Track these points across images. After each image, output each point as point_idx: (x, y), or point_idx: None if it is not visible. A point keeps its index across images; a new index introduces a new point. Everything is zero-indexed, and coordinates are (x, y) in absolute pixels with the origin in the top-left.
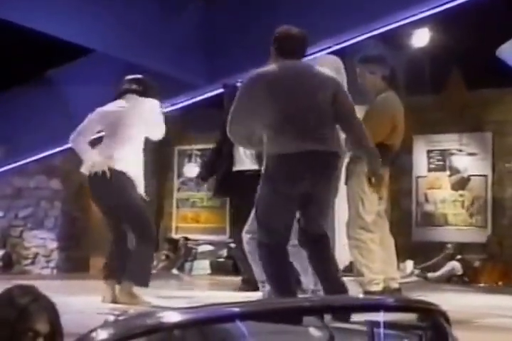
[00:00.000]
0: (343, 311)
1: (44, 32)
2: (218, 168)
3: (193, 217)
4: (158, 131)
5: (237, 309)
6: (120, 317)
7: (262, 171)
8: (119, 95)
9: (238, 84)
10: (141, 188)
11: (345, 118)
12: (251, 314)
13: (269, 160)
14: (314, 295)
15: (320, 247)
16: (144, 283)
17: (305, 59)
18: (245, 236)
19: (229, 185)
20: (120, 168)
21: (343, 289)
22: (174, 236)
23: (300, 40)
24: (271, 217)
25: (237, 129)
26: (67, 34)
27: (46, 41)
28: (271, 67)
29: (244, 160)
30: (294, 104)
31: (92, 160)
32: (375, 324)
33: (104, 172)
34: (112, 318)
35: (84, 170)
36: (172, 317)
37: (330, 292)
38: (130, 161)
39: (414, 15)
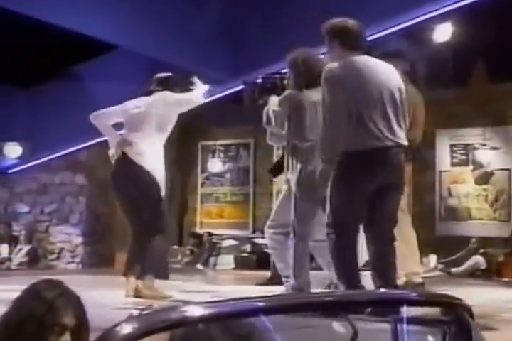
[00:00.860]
0: (366, 306)
1: (68, 28)
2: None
3: (217, 212)
4: (191, 102)
5: (260, 303)
6: (144, 312)
7: (337, 168)
8: (148, 93)
9: (258, 81)
10: (161, 183)
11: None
12: (274, 308)
13: (347, 156)
14: (336, 290)
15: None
16: (163, 275)
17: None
18: (268, 232)
19: None
20: (139, 162)
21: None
22: (198, 231)
23: (362, 32)
24: (346, 213)
25: (336, 132)
26: (92, 30)
27: (71, 37)
28: (352, 59)
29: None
30: (375, 98)
31: (115, 142)
32: (399, 319)
33: (124, 165)
34: (136, 312)
35: (111, 153)
36: (196, 312)
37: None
38: (149, 155)
39: (437, 10)
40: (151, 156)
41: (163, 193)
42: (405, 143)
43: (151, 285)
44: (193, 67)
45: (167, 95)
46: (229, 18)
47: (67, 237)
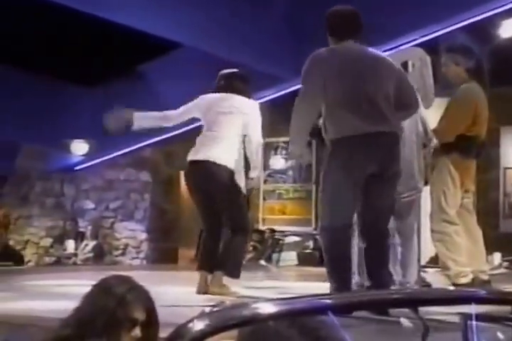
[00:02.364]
0: (437, 303)
1: (133, 26)
2: None
3: (280, 209)
4: (255, 137)
5: (330, 301)
6: (216, 308)
7: (326, 155)
8: (217, 90)
9: None
10: (240, 179)
11: (406, 106)
12: (345, 306)
13: (336, 142)
14: (403, 287)
15: (378, 240)
16: (235, 274)
17: (391, 52)
18: None
19: None
20: (220, 158)
21: (386, 285)
22: (261, 227)
23: (352, 18)
24: (338, 201)
25: (306, 108)
26: (156, 28)
27: (135, 36)
28: (336, 47)
29: None
30: (363, 85)
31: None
32: (468, 316)
33: (203, 161)
34: (207, 309)
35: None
36: (267, 309)
37: (373, 286)
38: (230, 152)
39: (502, 6)
40: (232, 153)
41: (244, 191)
42: (398, 131)
43: (220, 282)
44: (259, 65)
45: (255, 110)
46: (294, 16)
47: (131, 233)
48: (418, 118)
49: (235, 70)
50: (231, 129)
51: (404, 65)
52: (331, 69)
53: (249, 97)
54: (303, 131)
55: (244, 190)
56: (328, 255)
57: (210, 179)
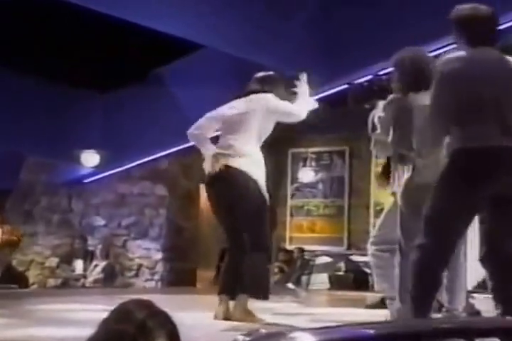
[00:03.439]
0: (495, 334)
1: (150, 27)
2: None
3: (309, 226)
4: (292, 116)
5: (372, 330)
6: (249, 337)
7: (445, 168)
8: (247, 94)
9: (364, 83)
10: (263, 191)
11: None
12: (388, 336)
13: (455, 154)
14: (451, 315)
15: (506, 266)
16: (263, 295)
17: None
18: (371, 248)
19: None
20: (240, 167)
21: None
22: (288, 247)
23: (489, 22)
24: (444, 222)
25: (438, 131)
26: (176, 29)
27: (151, 37)
28: (469, 55)
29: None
30: (490, 94)
31: (211, 155)
32: None
33: (224, 171)
34: (240, 338)
35: (206, 167)
36: (304, 339)
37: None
38: (251, 160)
39: None
40: (253, 162)
41: (267, 203)
42: None
43: (244, 306)
44: (287, 68)
45: (271, 99)
46: (326, 18)
47: (146, 253)
48: None
49: (270, 73)
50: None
51: None
52: (463, 81)
53: None
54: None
55: (266, 202)
56: (417, 279)
57: (228, 187)
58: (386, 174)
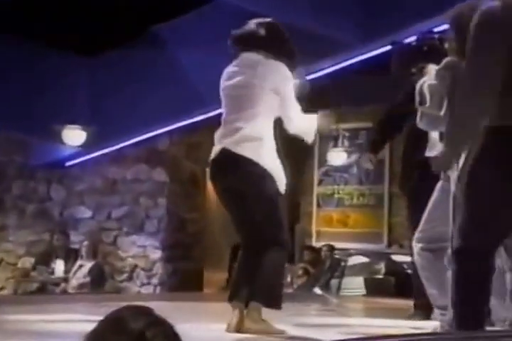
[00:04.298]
0: None
1: None
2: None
3: (340, 219)
4: (290, 119)
5: None
6: None
7: (478, 151)
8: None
9: (412, 42)
10: (280, 181)
11: None
12: None
13: (492, 132)
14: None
15: None
16: (274, 303)
17: None
18: (416, 246)
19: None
20: (250, 155)
21: None
22: (315, 244)
23: None
24: (488, 216)
25: (484, 91)
26: None
27: None
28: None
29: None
30: None
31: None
32: None
33: (229, 157)
34: None
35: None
36: None
37: None
38: (261, 145)
39: None
40: (263, 145)
41: (283, 192)
42: None
43: (258, 315)
44: (314, 28)
45: (279, 67)
46: None
47: (141, 251)
48: None
49: (269, 20)
50: None
51: None
52: (507, 31)
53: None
54: (472, 127)
55: (280, 191)
56: (461, 286)
57: (236, 175)
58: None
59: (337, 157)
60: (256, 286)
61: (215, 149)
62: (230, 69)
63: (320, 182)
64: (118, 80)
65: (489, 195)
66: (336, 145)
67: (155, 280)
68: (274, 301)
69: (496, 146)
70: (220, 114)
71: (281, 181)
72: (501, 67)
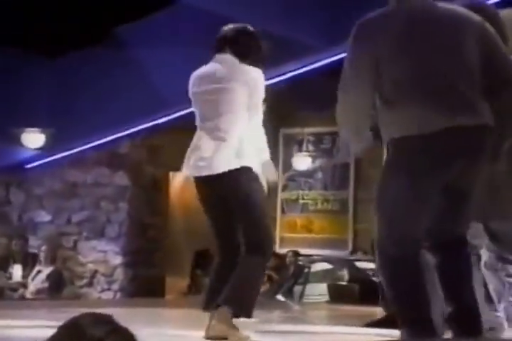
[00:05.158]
0: None
1: None
2: None
3: (304, 225)
4: (256, 119)
5: None
6: None
7: (387, 159)
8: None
9: None
10: (262, 182)
11: (496, 77)
12: None
13: (398, 143)
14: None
15: (454, 256)
16: (245, 312)
17: None
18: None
19: None
20: (234, 164)
21: (477, 318)
22: (278, 250)
23: None
24: (403, 218)
25: (350, 101)
26: None
27: None
28: (396, 6)
29: None
30: (433, 60)
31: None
32: None
33: (213, 176)
34: None
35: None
36: None
37: (459, 319)
38: (243, 150)
39: None
40: (246, 150)
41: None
42: (489, 122)
43: (229, 321)
44: (278, 30)
45: (255, 75)
46: None
47: (102, 256)
48: None
49: (245, 26)
50: None
51: None
52: (388, 40)
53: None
54: (359, 126)
55: (263, 193)
56: (394, 288)
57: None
58: None
59: (301, 162)
60: (230, 293)
61: (197, 164)
62: (204, 73)
63: (284, 188)
64: (79, 82)
65: (403, 201)
66: (300, 150)
67: (115, 286)
68: (245, 310)
69: (402, 156)
70: (181, 117)
71: (263, 183)
72: (393, 80)
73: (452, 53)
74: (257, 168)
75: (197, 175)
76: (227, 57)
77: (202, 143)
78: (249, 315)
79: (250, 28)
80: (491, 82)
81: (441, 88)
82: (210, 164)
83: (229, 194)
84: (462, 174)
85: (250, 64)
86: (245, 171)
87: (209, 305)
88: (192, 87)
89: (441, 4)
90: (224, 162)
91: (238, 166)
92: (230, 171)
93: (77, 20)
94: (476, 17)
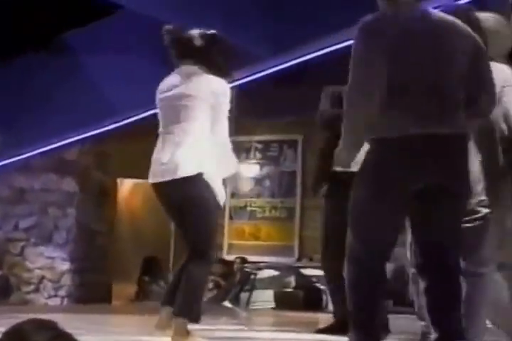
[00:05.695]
0: None
1: None
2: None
3: (252, 232)
4: (219, 129)
5: None
6: None
7: (361, 164)
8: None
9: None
10: (218, 191)
11: (477, 88)
12: None
13: (374, 145)
14: None
15: (440, 281)
16: (193, 317)
17: None
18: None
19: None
20: (190, 172)
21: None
22: (226, 257)
23: None
24: (371, 225)
25: (360, 100)
26: None
27: None
28: (390, 12)
29: None
30: (422, 68)
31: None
32: None
33: (170, 184)
34: None
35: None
36: None
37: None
38: (201, 158)
39: None
40: (203, 158)
41: (221, 203)
42: (466, 132)
43: (184, 327)
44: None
45: (218, 85)
46: None
47: (49, 262)
48: (500, 112)
49: (213, 32)
50: None
51: None
52: (385, 46)
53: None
54: (357, 130)
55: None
56: (352, 295)
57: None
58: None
59: (249, 169)
60: (181, 302)
61: (155, 170)
62: (168, 80)
63: (232, 195)
64: (26, 88)
65: (371, 207)
66: (248, 158)
67: (62, 292)
68: (194, 315)
69: (375, 157)
70: (129, 124)
71: (222, 194)
72: (380, 80)
73: (442, 63)
74: (213, 177)
75: (153, 181)
76: (191, 68)
77: (161, 149)
78: (197, 320)
79: (217, 34)
80: (472, 92)
81: (425, 95)
82: (166, 170)
83: (181, 199)
84: (441, 182)
85: (215, 73)
86: (199, 178)
87: (166, 303)
88: (158, 94)
89: (434, 13)
90: (179, 168)
91: (192, 173)
92: (184, 178)
93: (23, 26)
94: (469, 30)
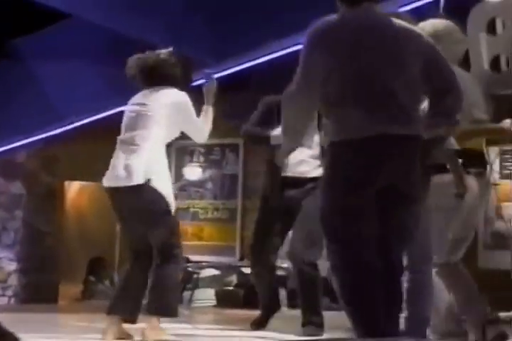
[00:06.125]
0: None
1: None
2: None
3: (194, 233)
4: (198, 134)
5: None
6: None
7: (324, 167)
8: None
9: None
10: (167, 196)
11: (439, 91)
12: None
13: (335, 146)
14: None
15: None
16: (171, 313)
17: None
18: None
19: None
20: (142, 180)
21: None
22: None
23: None
24: (344, 227)
25: (301, 103)
26: None
27: (7, 3)
28: (346, 15)
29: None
30: (376, 69)
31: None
32: None
33: (124, 190)
34: None
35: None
36: None
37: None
38: (153, 166)
39: None
40: (155, 167)
41: (173, 208)
42: (420, 133)
43: (157, 326)
44: (167, 45)
45: (183, 104)
46: None
47: None
48: None
49: (170, 50)
50: None
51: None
52: (339, 47)
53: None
54: (298, 134)
55: (163, 204)
56: (346, 298)
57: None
58: None
59: (192, 172)
60: (154, 298)
61: (110, 175)
62: (137, 95)
63: (176, 197)
64: None
65: (341, 210)
66: (191, 161)
67: (9, 292)
68: (171, 310)
69: (338, 159)
70: (76, 128)
71: (171, 199)
72: (340, 86)
73: (395, 64)
74: (163, 183)
75: (107, 185)
76: (156, 87)
77: (117, 155)
78: (175, 314)
79: (175, 55)
80: (434, 89)
81: (381, 96)
82: (119, 176)
83: (133, 206)
84: (396, 182)
85: (177, 87)
86: (148, 185)
87: (112, 311)
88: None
89: (386, 16)
90: (131, 176)
91: (143, 181)
92: (135, 185)
93: None
94: (418, 30)
